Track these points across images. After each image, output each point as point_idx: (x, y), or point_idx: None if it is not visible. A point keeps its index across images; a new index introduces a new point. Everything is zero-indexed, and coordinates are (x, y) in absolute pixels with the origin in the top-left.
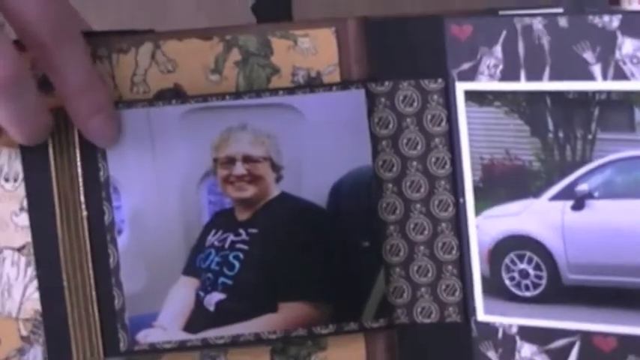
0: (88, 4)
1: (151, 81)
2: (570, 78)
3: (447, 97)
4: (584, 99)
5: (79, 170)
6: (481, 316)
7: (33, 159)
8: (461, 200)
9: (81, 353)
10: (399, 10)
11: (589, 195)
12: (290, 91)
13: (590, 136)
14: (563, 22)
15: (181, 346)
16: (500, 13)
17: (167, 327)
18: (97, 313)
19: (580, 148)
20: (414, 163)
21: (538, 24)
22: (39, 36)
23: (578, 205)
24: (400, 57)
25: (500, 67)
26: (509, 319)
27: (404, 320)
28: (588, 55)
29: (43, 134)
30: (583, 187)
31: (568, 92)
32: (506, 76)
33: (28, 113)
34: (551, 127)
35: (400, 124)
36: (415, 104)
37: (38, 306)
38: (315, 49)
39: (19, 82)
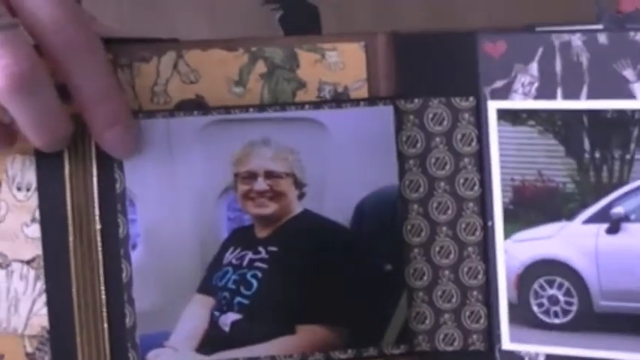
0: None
1: (173, 91)
2: (609, 96)
3: (478, 115)
4: (624, 118)
5: (95, 181)
6: (506, 344)
7: (47, 168)
8: (489, 223)
9: None
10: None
11: (625, 218)
12: (316, 105)
13: (628, 157)
14: (603, 38)
15: None
16: (537, 29)
17: (179, 347)
18: (106, 331)
19: (617, 169)
20: (442, 184)
21: (577, 40)
22: (54, 45)
23: (614, 229)
24: (430, 73)
25: (536, 84)
26: (536, 348)
27: (425, 347)
28: (628, 73)
29: (63, 141)
30: (619, 210)
31: (606, 111)
32: (541, 94)
33: (48, 114)
34: (587, 147)
35: (429, 143)
36: (445, 123)
37: (45, 322)
38: (342, 63)
39: (36, 78)
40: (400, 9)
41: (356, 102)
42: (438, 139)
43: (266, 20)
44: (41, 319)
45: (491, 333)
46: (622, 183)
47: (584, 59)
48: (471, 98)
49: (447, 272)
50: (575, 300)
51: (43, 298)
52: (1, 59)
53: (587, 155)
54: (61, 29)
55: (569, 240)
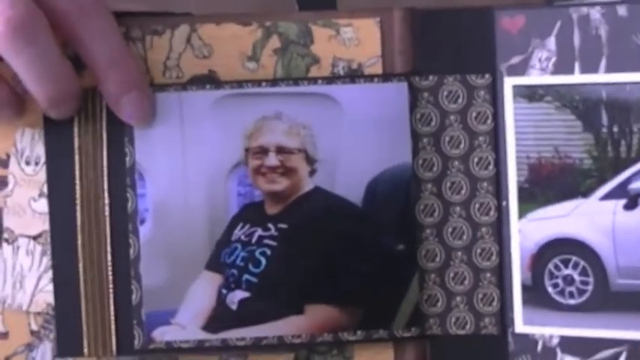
0: None
1: (185, 66)
2: (628, 69)
3: (494, 93)
4: None
5: (105, 154)
6: (519, 327)
7: (56, 141)
8: (503, 203)
9: (92, 349)
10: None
11: None
12: (329, 80)
13: None
14: (622, 10)
15: (199, 347)
16: (556, 3)
17: (186, 325)
18: (112, 307)
19: (636, 142)
20: (456, 163)
21: (596, 13)
22: (60, 4)
23: (631, 204)
24: (446, 50)
25: (553, 59)
26: (550, 330)
27: (436, 331)
28: None
29: (69, 99)
30: (637, 185)
31: (625, 84)
32: (559, 69)
33: (49, 64)
34: (605, 121)
35: (443, 121)
36: (460, 100)
37: (51, 299)
38: (357, 39)
39: (33, 24)
40: None
41: (370, 78)
42: (452, 117)
43: None
44: (46, 295)
45: (504, 316)
46: None
47: (603, 32)
48: (487, 75)
49: (459, 254)
50: (590, 279)
51: (49, 274)
52: None
53: (604, 130)
54: None
55: (585, 217)
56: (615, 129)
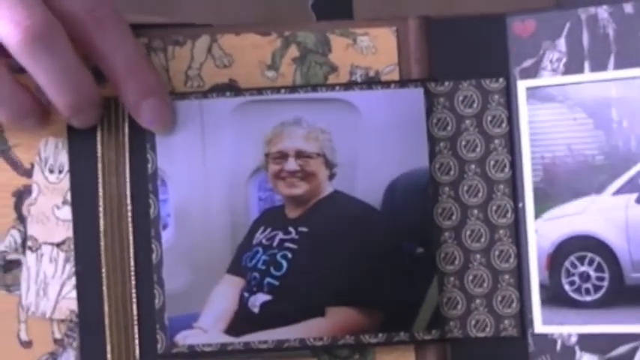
0: None
1: (206, 75)
2: (636, 65)
3: (508, 96)
4: None
5: (127, 161)
6: (539, 327)
7: (80, 149)
8: (520, 205)
9: (116, 355)
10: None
11: None
12: (347, 86)
13: None
14: (629, 8)
15: (222, 350)
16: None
17: (208, 329)
18: (135, 312)
19: None
20: (473, 167)
21: (603, 12)
22: (77, 15)
23: None
24: (461, 56)
25: (564, 60)
26: (568, 328)
27: (457, 334)
28: None
29: (90, 105)
30: None
31: (634, 79)
32: (569, 69)
33: (68, 71)
34: (615, 117)
35: (459, 126)
36: (475, 105)
37: (74, 306)
38: (374, 48)
39: (51, 32)
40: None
41: (387, 84)
42: (468, 122)
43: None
44: (70, 302)
45: (523, 317)
46: None
47: (611, 30)
48: (501, 79)
49: (478, 256)
50: (606, 275)
51: (72, 281)
52: (14, 15)
53: (615, 125)
54: (85, 2)
55: (598, 214)
56: (625, 124)
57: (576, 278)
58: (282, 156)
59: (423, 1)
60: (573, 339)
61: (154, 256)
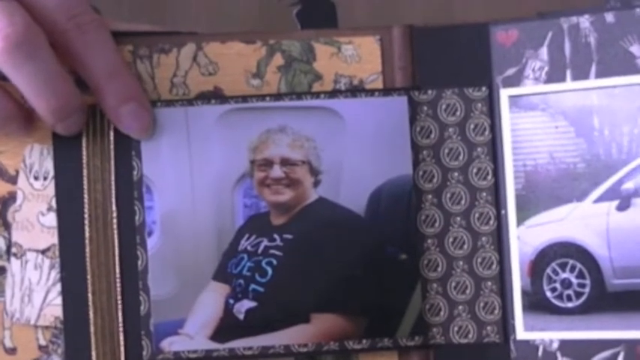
0: None
1: (191, 83)
2: (617, 73)
3: (491, 105)
4: (631, 92)
5: (112, 168)
6: (521, 334)
7: (65, 156)
8: (502, 212)
9: None
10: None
11: (635, 193)
12: (331, 94)
13: (636, 131)
14: (610, 17)
15: (207, 356)
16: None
17: (193, 335)
18: (120, 319)
19: (626, 144)
20: (456, 174)
21: (585, 22)
22: (58, 23)
23: (624, 205)
24: (444, 65)
25: (546, 68)
26: (550, 334)
27: (440, 340)
28: (635, 49)
29: (73, 112)
30: (629, 186)
31: (614, 87)
32: (551, 78)
33: (50, 78)
34: (597, 125)
35: (442, 134)
36: (458, 113)
37: (59, 312)
38: (358, 56)
39: (32, 40)
40: (398, 7)
41: (371, 92)
42: (451, 130)
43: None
44: (55, 309)
45: (505, 324)
46: (631, 158)
47: (592, 39)
48: (484, 88)
49: (461, 263)
50: (587, 281)
51: (57, 287)
52: None
53: (596, 133)
54: (63, 5)
55: (580, 221)
56: (606, 132)
57: (558, 285)
58: (268, 163)
59: (420, 8)
60: (555, 345)
61: (139, 262)
